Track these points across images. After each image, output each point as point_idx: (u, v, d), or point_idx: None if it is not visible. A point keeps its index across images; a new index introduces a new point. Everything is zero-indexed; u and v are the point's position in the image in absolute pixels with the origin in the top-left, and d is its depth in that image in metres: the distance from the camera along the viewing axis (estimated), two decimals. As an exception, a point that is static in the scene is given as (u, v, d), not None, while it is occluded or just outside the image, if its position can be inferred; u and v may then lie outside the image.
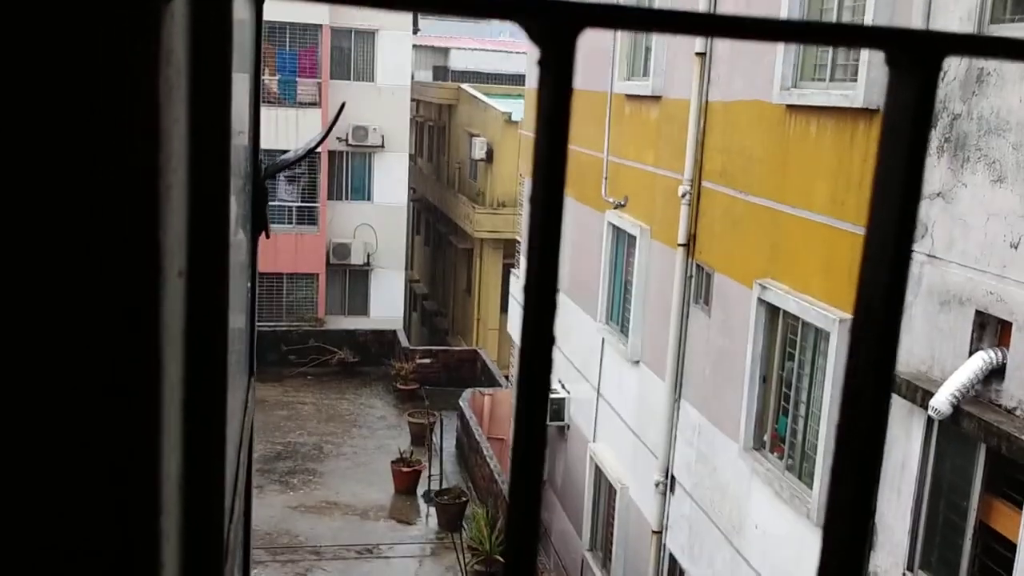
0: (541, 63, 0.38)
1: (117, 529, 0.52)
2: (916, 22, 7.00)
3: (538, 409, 0.43)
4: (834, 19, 8.31)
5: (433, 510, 17.44)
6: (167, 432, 0.58)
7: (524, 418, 0.43)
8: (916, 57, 0.43)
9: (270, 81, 26.11)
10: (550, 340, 0.41)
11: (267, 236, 1.88)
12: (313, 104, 26.21)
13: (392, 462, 18.49)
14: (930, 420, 6.70)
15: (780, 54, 8.83)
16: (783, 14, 8.79)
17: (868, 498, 0.46)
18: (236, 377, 1.49)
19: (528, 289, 0.41)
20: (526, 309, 0.40)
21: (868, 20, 7.56)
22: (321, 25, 26.14)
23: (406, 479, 18.27)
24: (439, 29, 45.10)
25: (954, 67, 6.67)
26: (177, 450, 0.67)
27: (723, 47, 10.22)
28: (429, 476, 18.23)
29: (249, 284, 1.84)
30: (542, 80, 0.39)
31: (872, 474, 0.47)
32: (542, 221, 0.39)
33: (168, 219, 0.57)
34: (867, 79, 7.55)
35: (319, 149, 26.08)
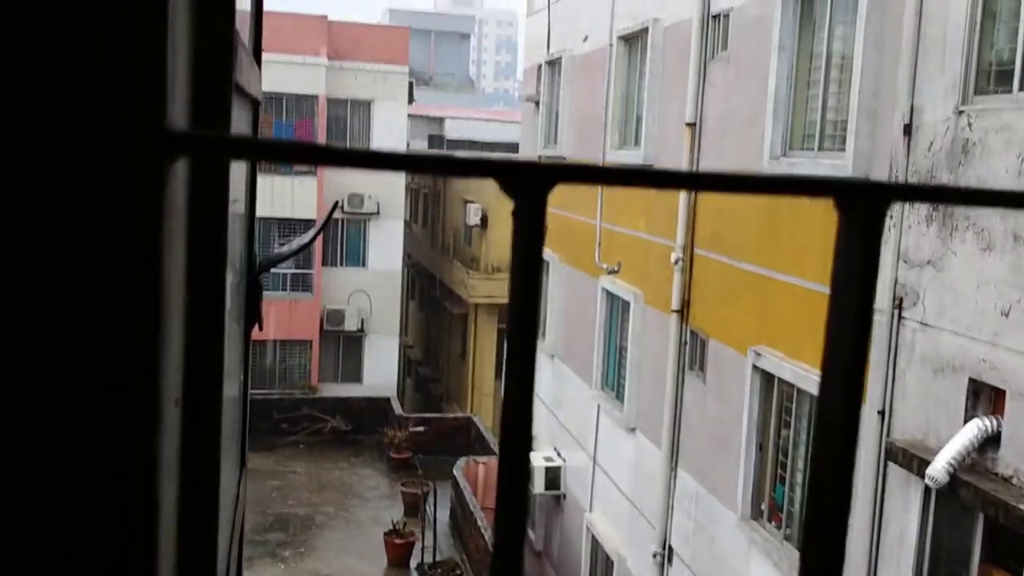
0: (514, 214, 0.40)
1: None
2: (902, 95, 7.14)
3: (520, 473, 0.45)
4: (820, 94, 8.47)
5: (427, 582, 17.15)
6: (162, 556, 0.59)
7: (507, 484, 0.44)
8: (862, 205, 0.46)
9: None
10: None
11: (260, 328, 1.89)
12: (309, 173, 26.44)
13: (385, 533, 18.24)
14: (927, 489, 6.66)
15: (769, 123, 8.98)
16: (770, 92, 8.95)
17: (841, 549, 0.49)
18: (227, 472, 1.49)
19: (504, 426, 0.42)
20: (501, 458, 0.41)
21: (854, 92, 7.71)
22: (317, 96, 26.52)
23: (399, 551, 18.00)
24: (434, 99, 45.79)
25: (940, 137, 6.78)
26: (172, 566, 0.68)
27: (713, 116, 10.39)
28: (423, 548, 17.96)
29: (242, 377, 1.85)
30: (515, 227, 0.41)
31: (842, 528, 0.50)
32: (517, 361, 0.40)
33: (165, 355, 0.59)
34: (855, 148, 7.66)
35: (314, 217, 26.24)
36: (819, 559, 0.49)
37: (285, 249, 3.32)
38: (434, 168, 0.38)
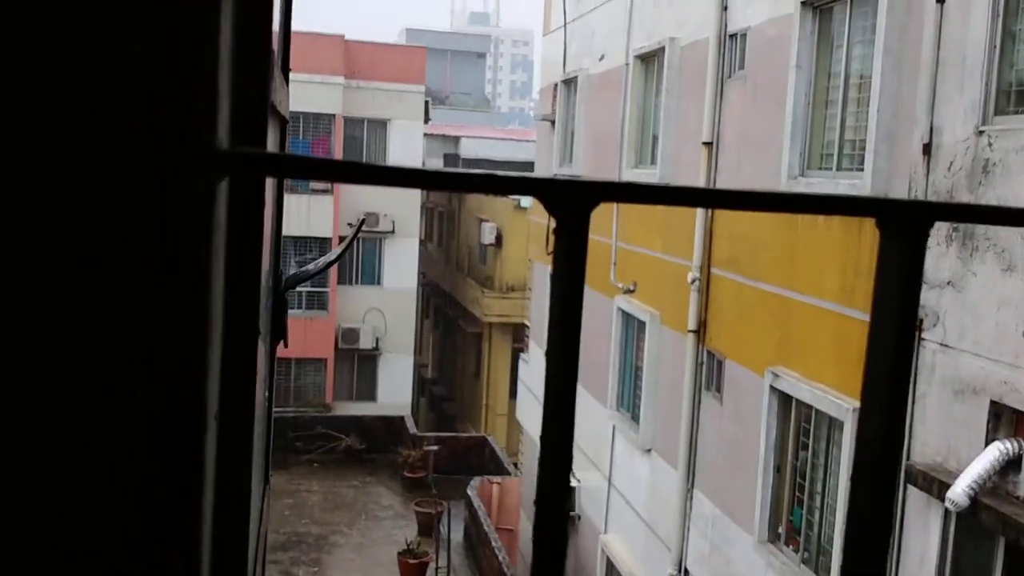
0: (557, 232, 0.38)
1: None
2: (921, 115, 7.10)
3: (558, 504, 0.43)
4: (838, 114, 8.44)
5: (441, 602, 17.06)
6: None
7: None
8: (904, 223, 0.45)
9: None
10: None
11: (285, 346, 1.89)
12: (325, 191, 26.57)
13: (398, 553, 18.16)
14: (947, 512, 6.57)
15: (787, 143, 8.95)
16: (787, 111, 8.93)
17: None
18: (253, 490, 1.48)
19: (544, 447, 0.40)
20: (541, 474, 0.39)
21: (873, 112, 7.68)
22: (334, 115, 26.67)
23: (413, 571, 17.91)
24: (450, 118, 45.99)
25: (959, 157, 6.74)
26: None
27: (730, 135, 10.37)
28: (436, 568, 17.87)
29: (267, 393, 1.84)
30: (558, 245, 0.39)
31: (883, 553, 0.48)
32: (557, 375, 0.39)
33: (209, 369, 0.59)
34: (874, 168, 7.63)
35: (330, 235, 26.34)
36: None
37: (312, 267, 3.32)
38: (477, 187, 0.37)
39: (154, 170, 0.51)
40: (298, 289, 27.05)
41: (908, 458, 7.10)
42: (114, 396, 0.53)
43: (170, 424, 0.54)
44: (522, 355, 19.13)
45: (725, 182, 10.41)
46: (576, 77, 15.49)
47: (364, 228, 27.33)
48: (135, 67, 0.51)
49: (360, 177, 0.37)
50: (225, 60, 0.65)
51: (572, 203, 0.37)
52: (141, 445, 0.53)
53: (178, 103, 0.51)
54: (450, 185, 0.36)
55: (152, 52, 0.51)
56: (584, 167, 15.11)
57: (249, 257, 0.79)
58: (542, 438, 0.41)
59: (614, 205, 13.40)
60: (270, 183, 1.51)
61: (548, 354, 0.41)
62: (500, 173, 0.37)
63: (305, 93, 25.81)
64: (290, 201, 25.85)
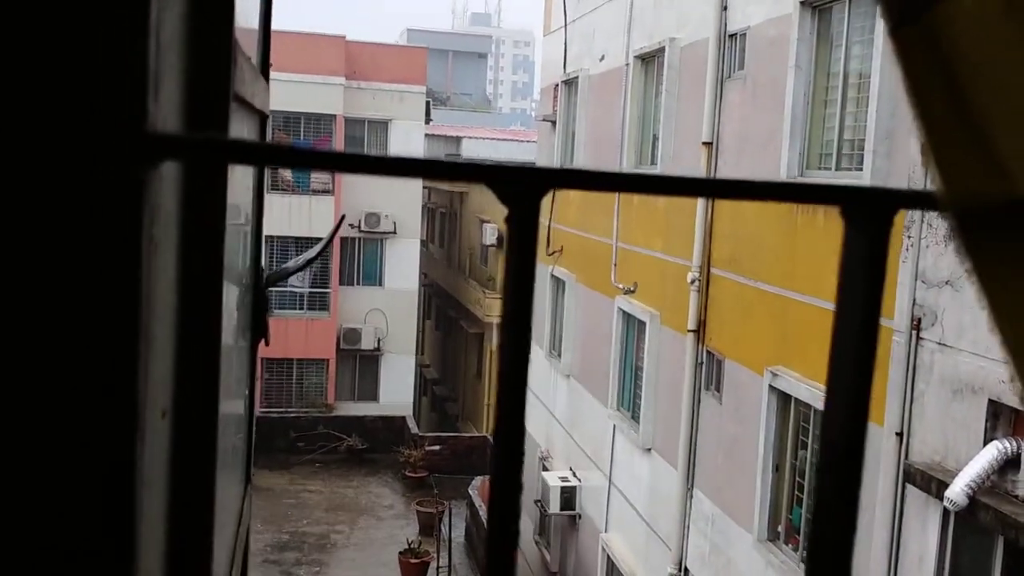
0: (508, 220, 0.40)
1: None
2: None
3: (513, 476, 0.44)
4: (837, 113, 8.45)
5: (442, 602, 17.07)
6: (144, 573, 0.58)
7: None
8: (868, 212, 0.46)
9: (284, 169, 26.55)
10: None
11: (266, 344, 1.90)
12: (326, 192, 26.59)
13: (400, 553, 18.18)
14: (946, 512, 6.58)
15: (786, 142, 8.96)
16: (786, 111, 8.94)
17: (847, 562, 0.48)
18: (229, 488, 1.48)
19: (496, 440, 0.41)
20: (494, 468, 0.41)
21: (872, 111, 7.69)
22: (335, 115, 26.68)
23: (414, 571, 17.93)
24: (451, 119, 46.00)
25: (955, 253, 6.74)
26: None
27: (730, 135, 10.38)
28: (438, 568, 17.89)
29: (247, 391, 1.85)
30: (508, 233, 0.40)
31: (848, 550, 0.49)
32: (509, 369, 0.40)
33: (151, 366, 0.58)
34: (872, 167, 7.64)
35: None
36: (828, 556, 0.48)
37: (292, 264, 3.33)
38: (423, 172, 0.38)
39: (74, 153, 0.49)
40: (299, 290, 27.07)
41: (907, 457, 7.11)
42: (32, 394, 0.51)
43: (97, 424, 0.52)
44: (523, 355, 19.13)
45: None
46: (577, 77, 15.50)
47: (365, 228, 27.35)
48: (54, 47, 0.49)
49: (295, 162, 0.38)
50: (169, 44, 0.64)
51: (521, 190, 0.39)
52: (64, 445, 0.51)
53: (101, 82, 0.50)
54: (389, 170, 0.38)
55: (73, 28, 0.50)
56: (587, 166, 15.11)
57: (209, 248, 0.79)
58: (495, 430, 0.43)
59: (615, 206, 13.42)
60: (242, 175, 1.52)
61: (500, 345, 0.42)
62: (443, 159, 0.38)
63: (306, 94, 25.83)
64: (291, 202, 25.92)
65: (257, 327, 1.76)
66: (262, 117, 1.74)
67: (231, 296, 1.31)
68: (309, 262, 3.20)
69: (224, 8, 0.90)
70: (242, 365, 1.65)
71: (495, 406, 0.42)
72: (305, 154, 0.38)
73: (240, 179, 1.50)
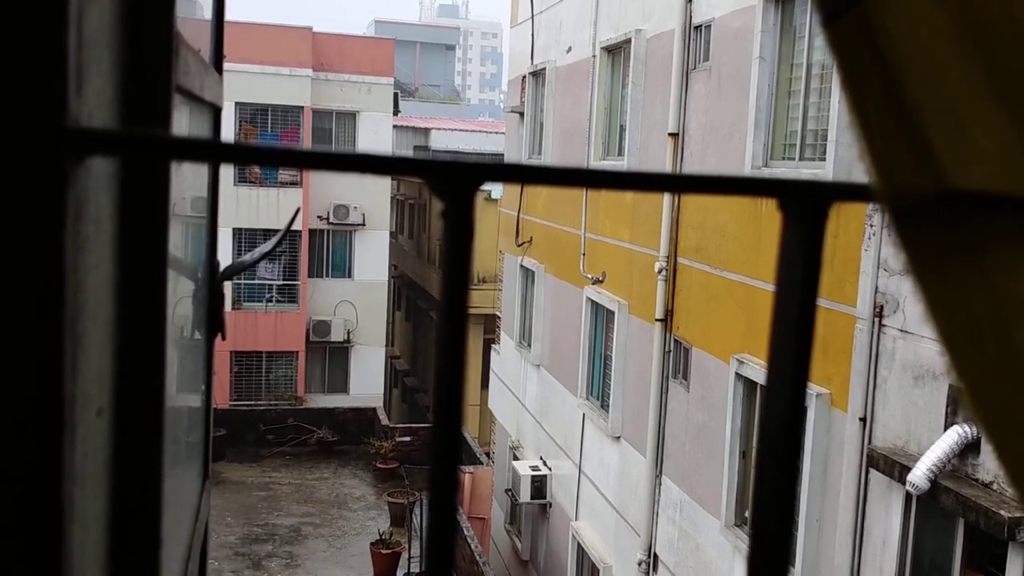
0: (443, 214, 0.42)
1: None
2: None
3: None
4: (801, 104, 8.54)
5: (414, 593, 17.09)
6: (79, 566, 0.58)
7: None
8: (805, 205, 0.47)
9: (251, 161, 26.31)
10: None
11: (223, 338, 1.90)
12: (294, 184, 26.41)
13: (371, 544, 18.17)
14: (908, 496, 6.70)
15: (750, 133, 9.04)
16: (751, 102, 9.02)
17: (786, 544, 0.49)
18: (185, 483, 1.49)
19: (435, 434, 0.44)
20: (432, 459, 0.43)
21: (835, 102, 7.78)
22: (303, 107, 26.50)
23: (385, 561, 17.93)
24: (420, 110, 45.82)
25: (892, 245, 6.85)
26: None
27: (696, 126, 10.45)
28: (409, 558, 17.90)
29: (204, 387, 1.85)
30: (445, 226, 0.43)
31: (786, 528, 0.50)
32: (445, 363, 0.43)
33: (81, 364, 0.58)
34: (835, 158, 7.73)
35: (300, 228, 26.20)
36: (764, 552, 0.49)
37: (247, 257, 3.33)
38: (359, 166, 0.40)
39: None
40: (268, 282, 26.90)
41: (870, 442, 7.23)
42: None
43: (18, 421, 0.51)
44: (494, 346, 19.17)
45: (690, 171, 10.49)
46: (544, 69, 15.51)
47: (334, 220, 27.22)
48: None
49: (229, 157, 0.40)
50: (96, 38, 0.63)
51: (455, 184, 0.41)
52: None
53: (16, 78, 0.49)
54: (328, 165, 0.40)
55: None
56: (553, 158, 15.15)
57: (150, 244, 0.78)
58: (433, 419, 0.45)
59: (583, 197, 13.46)
60: (195, 167, 1.52)
61: (437, 341, 0.44)
62: (380, 152, 0.40)
63: (273, 85, 25.63)
64: (259, 194, 25.73)
65: (213, 321, 1.76)
66: (214, 110, 1.75)
67: (183, 290, 1.31)
68: (265, 255, 3.20)
69: (163, 3, 0.89)
70: (196, 359, 1.65)
71: (432, 398, 0.44)
72: (235, 148, 0.40)
73: (194, 172, 1.51)
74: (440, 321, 0.43)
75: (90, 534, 0.67)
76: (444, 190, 0.41)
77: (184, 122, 1.29)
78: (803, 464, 8.09)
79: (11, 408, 0.51)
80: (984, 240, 0.42)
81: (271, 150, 0.40)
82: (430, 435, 0.44)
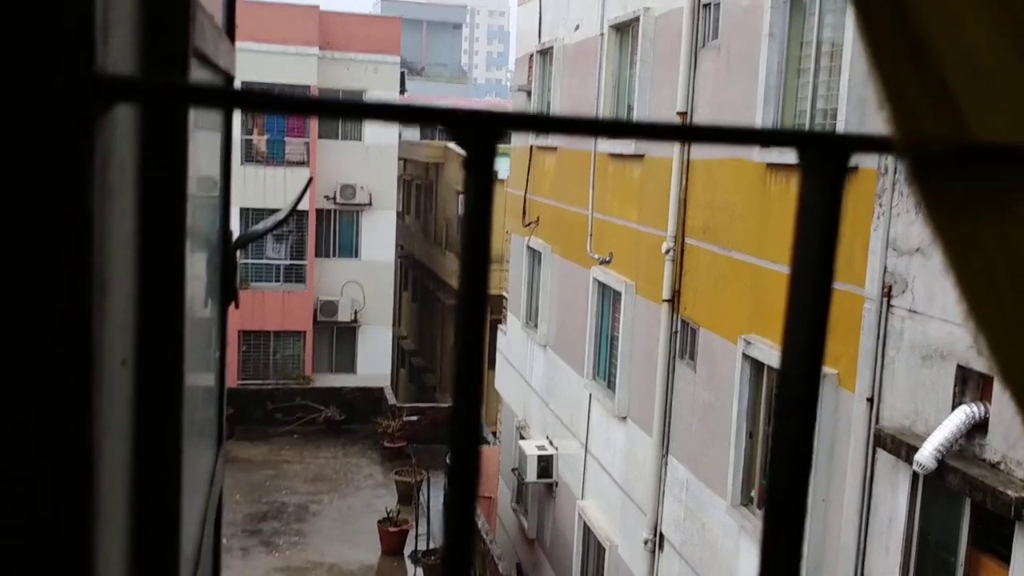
0: (466, 165, 0.41)
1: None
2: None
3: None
4: (811, 82, 8.49)
5: (421, 571, 17.20)
6: (105, 521, 0.59)
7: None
8: (825, 157, 0.47)
9: (259, 141, 26.34)
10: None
11: (236, 306, 1.91)
12: (301, 163, 26.40)
13: (379, 522, 18.28)
14: (915, 475, 6.70)
15: (759, 111, 8.99)
16: (760, 80, 8.96)
17: (801, 520, 0.49)
18: (200, 449, 1.50)
19: (457, 378, 0.44)
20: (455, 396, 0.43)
21: (844, 80, 7.73)
22: (309, 86, 26.45)
23: (393, 539, 18.05)
24: (426, 89, 45.69)
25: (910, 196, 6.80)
26: (120, 536, 0.68)
27: (704, 104, 10.40)
28: (416, 536, 18.01)
29: (218, 353, 1.86)
30: (466, 177, 0.42)
31: (802, 511, 0.50)
32: (465, 310, 0.42)
33: (107, 313, 0.58)
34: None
35: (307, 208, 26.21)
36: (781, 523, 0.49)
37: (260, 226, 3.34)
38: (380, 115, 0.40)
39: (20, 93, 0.49)
40: (275, 262, 26.94)
41: (877, 422, 7.23)
42: None
43: (51, 364, 0.52)
44: (500, 327, 19.18)
45: (699, 152, 10.46)
46: (552, 47, 15.43)
47: (341, 200, 27.21)
48: None
49: (248, 105, 0.39)
50: None
51: (478, 133, 0.40)
52: (16, 382, 0.51)
53: (45, 23, 0.50)
54: (349, 114, 0.39)
55: None
56: (560, 137, 15.09)
57: (169, 197, 0.79)
58: (454, 391, 0.45)
59: (590, 176, 13.42)
60: (209, 136, 1.52)
61: (458, 294, 0.44)
62: (398, 103, 0.40)
63: (279, 65, 25.57)
64: (266, 174, 25.73)
65: (226, 289, 1.77)
66: (227, 78, 1.75)
67: (199, 257, 1.31)
68: (278, 223, 3.21)
69: None
70: (212, 326, 1.66)
71: (453, 358, 0.43)
72: (252, 95, 0.39)
73: (206, 142, 1.51)
74: (462, 271, 0.42)
75: (115, 480, 0.67)
76: (467, 139, 0.41)
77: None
78: (817, 435, 8.10)
79: (44, 347, 0.52)
80: (1003, 191, 0.43)
81: (289, 98, 0.40)
82: (451, 382, 0.44)
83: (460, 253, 0.44)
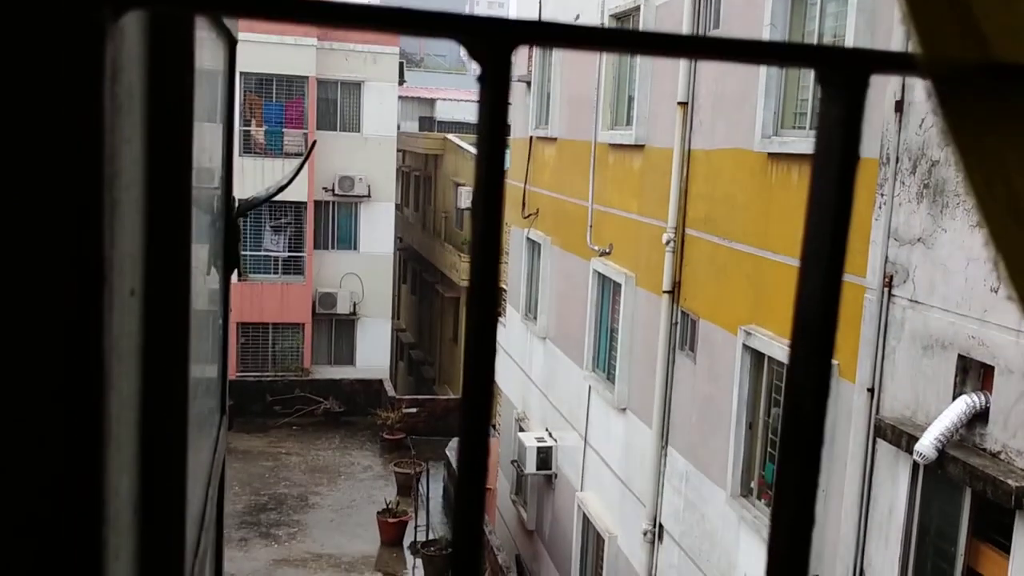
0: (480, 78, 0.39)
1: (58, 536, 0.52)
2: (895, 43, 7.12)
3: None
4: (812, 74, 8.45)
5: (420, 561, 17.22)
6: (115, 446, 0.58)
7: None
8: (845, 74, 0.45)
9: (257, 132, 26.28)
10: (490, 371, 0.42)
11: (240, 276, 1.89)
12: (299, 154, 26.34)
13: (378, 513, 18.29)
14: (916, 465, 6.69)
15: (761, 102, 8.96)
16: (761, 71, 8.92)
17: (811, 510, 0.47)
18: (204, 408, 1.48)
19: (470, 303, 0.42)
20: (469, 316, 0.41)
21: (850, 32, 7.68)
22: (308, 77, 26.39)
23: (392, 530, 18.06)
24: (425, 80, 45.61)
25: (931, 114, 6.78)
26: (130, 466, 0.67)
27: (705, 97, 10.37)
28: (416, 527, 18.03)
29: (221, 321, 1.84)
30: (481, 92, 0.40)
31: (813, 485, 0.48)
32: (482, 234, 0.40)
33: (117, 235, 0.57)
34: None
35: (305, 200, 26.17)
36: (790, 511, 0.47)
37: (263, 192, 3.34)
38: (392, 26, 0.38)
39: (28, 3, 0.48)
40: (274, 254, 26.92)
41: (878, 412, 7.22)
42: None
43: (63, 282, 0.51)
44: (499, 319, 19.16)
45: (700, 142, 10.43)
46: (552, 38, 15.37)
47: (339, 192, 27.17)
48: None
49: (267, 11, 0.37)
50: None
51: (493, 43, 0.38)
52: (28, 299, 0.51)
53: None
54: (356, 22, 0.37)
55: None
56: (560, 129, 15.07)
57: (177, 115, 0.77)
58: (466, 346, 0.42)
59: (590, 168, 13.39)
60: (210, 128, 1.50)
61: (472, 215, 0.42)
62: (410, 8, 0.38)
63: (278, 55, 25.50)
64: (265, 165, 25.66)
65: (229, 256, 1.75)
66: (231, 41, 1.72)
67: (203, 222, 1.30)
68: (280, 188, 3.21)
69: None
70: (215, 289, 1.64)
71: (467, 296, 0.42)
72: (276, 3, 0.38)
73: (208, 126, 1.49)
74: (475, 192, 0.40)
75: (124, 410, 0.66)
76: (482, 49, 0.38)
77: (206, 51, 1.26)
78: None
79: (56, 262, 0.51)
80: None
81: (295, 3, 0.38)
82: (465, 352, 0.41)
83: (474, 172, 0.42)
